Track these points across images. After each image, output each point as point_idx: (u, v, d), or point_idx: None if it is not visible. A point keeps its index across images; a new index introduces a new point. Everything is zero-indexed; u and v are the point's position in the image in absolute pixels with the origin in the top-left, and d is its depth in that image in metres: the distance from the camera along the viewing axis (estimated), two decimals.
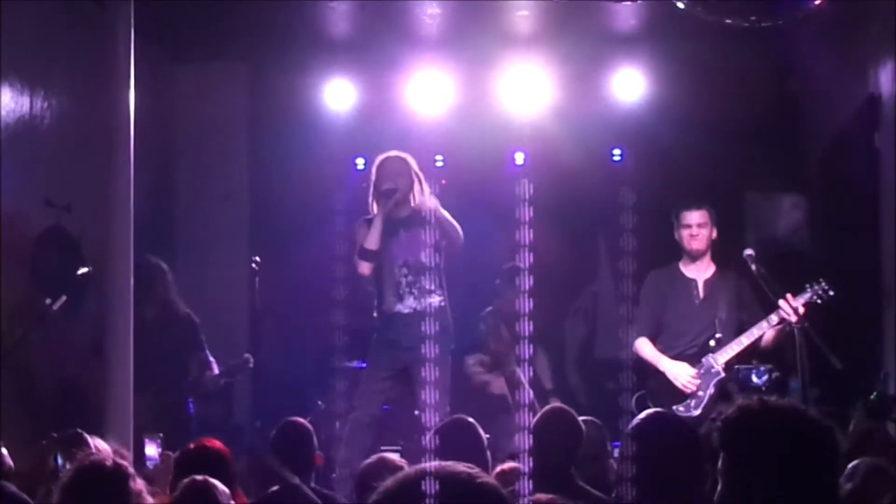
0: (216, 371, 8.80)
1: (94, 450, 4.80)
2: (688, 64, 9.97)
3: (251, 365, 8.98)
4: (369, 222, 8.36)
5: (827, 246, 9.72)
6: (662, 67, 10.19)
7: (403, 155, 8.43)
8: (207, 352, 8.82)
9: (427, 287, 8.31)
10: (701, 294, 8.27)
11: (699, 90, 9.90)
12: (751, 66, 10.00)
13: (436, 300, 8.32)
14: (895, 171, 8.08)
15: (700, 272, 8.31)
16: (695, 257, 8.29)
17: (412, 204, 8.36)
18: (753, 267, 8.09)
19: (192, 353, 8.82)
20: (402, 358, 8.21)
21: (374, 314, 8.48)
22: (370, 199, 8.43)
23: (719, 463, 3.26)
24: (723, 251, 8.48)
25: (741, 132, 10.11)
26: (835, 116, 9.55)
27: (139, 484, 4.02)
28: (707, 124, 9.92)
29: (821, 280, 7.92)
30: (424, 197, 8.36)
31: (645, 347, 8.28)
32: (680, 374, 8.10)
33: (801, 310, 7.76)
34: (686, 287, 8.30)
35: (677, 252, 8.40)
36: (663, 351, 8.24)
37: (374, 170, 8.44)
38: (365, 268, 8.32)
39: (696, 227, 8.23)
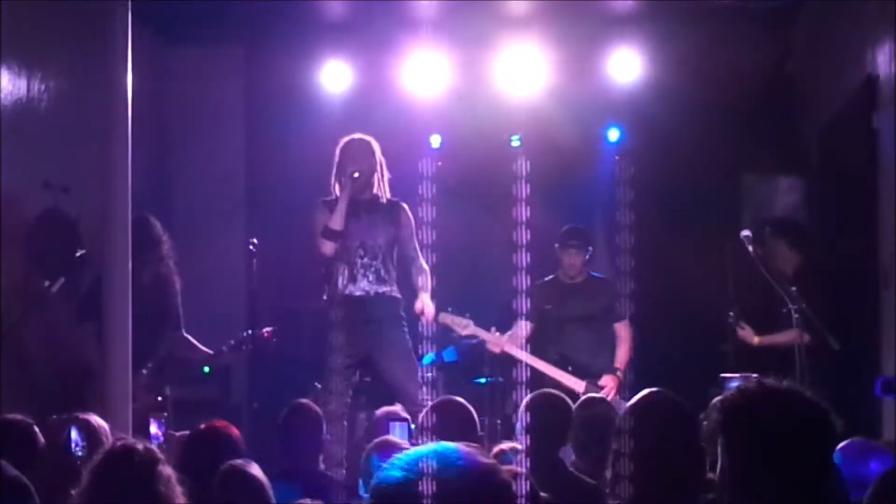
0: (205, 351, 8.49)
1: (102, 434, 4.81)
2: (684, 44, 9.96)
3: (272, 339, 8.76)
4: (327, 204, 8.29)
5: (824, 227, 9.72)
6: (659, 48, 10.18)
7: (367, 138, 8.35)
8: (183, 331, 8.46)
9: (382, 275, 8.24)
10: None
11: (696, 71, 9.89)
12: (748, 46, 9.99)
13: (387, 289, 8.25)
14: (894, 151, 8.07)
15: None
16: None
17: (374, 189, 8.30)
18: (750, 248, 8.12)
19: (165, 331, 8.34)
20: (357, 341, 8.16)
21: (324, 297, 8.33)
22: (332, 180, 8.36)
23: (719, 445, 3.29)
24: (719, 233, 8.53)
25: (738, 113, 10.11)
26: (833, 97, 9.54)
27: (168, 469, 4.00)
28: (704, 105, 9.92)
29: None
30: (384, 184, 8.33)
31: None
32: None
33: None
34: None
35: (672, 233, 8.44)
36: None
37: (337, 151, 8.34)
38: (328, 247, 8.17)
39: None
